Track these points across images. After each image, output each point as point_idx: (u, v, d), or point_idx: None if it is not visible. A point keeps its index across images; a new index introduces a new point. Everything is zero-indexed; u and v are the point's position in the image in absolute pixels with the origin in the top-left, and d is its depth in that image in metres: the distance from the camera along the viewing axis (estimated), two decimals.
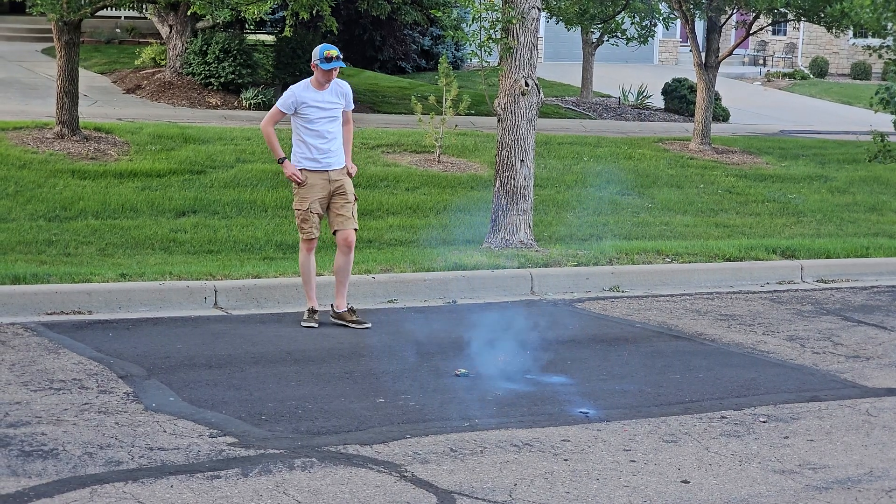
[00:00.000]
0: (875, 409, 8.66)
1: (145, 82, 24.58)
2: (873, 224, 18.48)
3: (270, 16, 25.66)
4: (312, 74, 10.50)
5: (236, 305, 10.95)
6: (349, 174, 10.70)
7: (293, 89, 10.66)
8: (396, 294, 11.74)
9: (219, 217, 15.17)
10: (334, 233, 10.63)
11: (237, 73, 23.63)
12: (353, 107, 10.85)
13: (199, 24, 24.04)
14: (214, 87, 23.72)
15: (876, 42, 22.79)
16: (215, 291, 11.01)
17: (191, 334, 9.79)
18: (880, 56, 21.31)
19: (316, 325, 10.41)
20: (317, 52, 10.40)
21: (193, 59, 23.90)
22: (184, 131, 19.05)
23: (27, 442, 6.99)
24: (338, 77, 10.55)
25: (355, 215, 10.65)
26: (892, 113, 17.05)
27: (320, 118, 10.53)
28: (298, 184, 10.57)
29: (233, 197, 16.00)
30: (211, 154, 17.89)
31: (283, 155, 10.69)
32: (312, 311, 10.51)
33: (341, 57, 10.50)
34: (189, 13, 21.66)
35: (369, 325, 10.49)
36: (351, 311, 10.57)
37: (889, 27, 19.88)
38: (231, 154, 18.01)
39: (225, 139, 18.89)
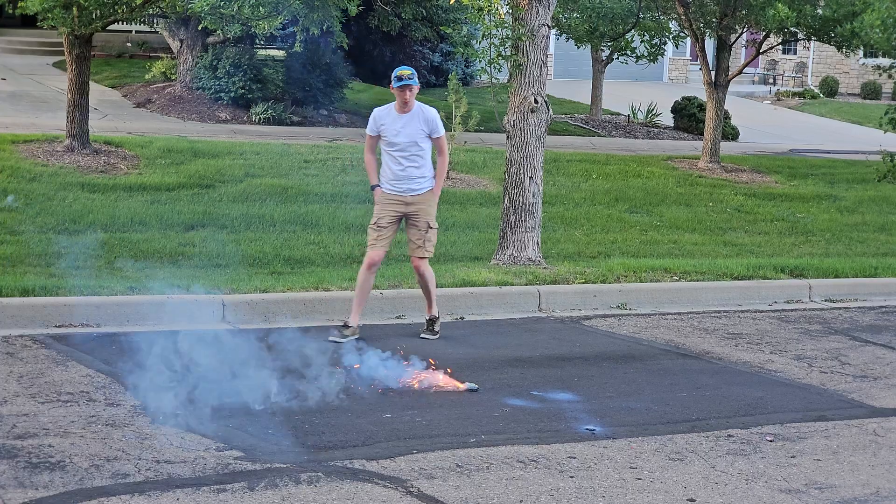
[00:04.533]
0: (882, 429, 8.65)
1: (155, 96, 24.65)
2: (882, 244, 18.46)
3: (281, 31, 25.67)
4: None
5: (244, 320, 10.96)
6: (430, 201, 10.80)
7: (375, 110, 10.91)
8: (404, 310, 11.75)
9: (227, 231, 15.20)
10: (411, 257, 10.96)
11: (247, 87, 23.68)
12: (441, 133, 10.79)
13: (210, 39, 24.11)
14: (224, 102, 23.78)
15: (886, 62, 22.80)
16: (223, 305, 11.02)
17: (200, 348, 9.78)
18: (890, 76, 21.34)
19: (341, 339, 10.34)
20: (393, 73, 10.64)
21: (204, 73, 23.97)
22: (193, 145, 19.10)
23: (34, 454, 7.00)
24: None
25: (427, 244, 10.78)
26: None
27: (397, 142, 10.64)
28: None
29: (241, 211, 16.03)
30: (220, 168, 17.93)
31: (374, 182, 10.89)
32: (343, 326, 10.58)
33: (413, 76, 10.59)
34: (200, 28, 21.70)
35: (436, 337, 10.79)
36: (430, 321, 10.91)
37: None
38: (240, 168, 18.05)
39: (234, 153, 18.93)
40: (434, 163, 10.89)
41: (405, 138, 10.62)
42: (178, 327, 10.08)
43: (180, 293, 11.16)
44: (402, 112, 10.66)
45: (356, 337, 10.41)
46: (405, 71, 10.58)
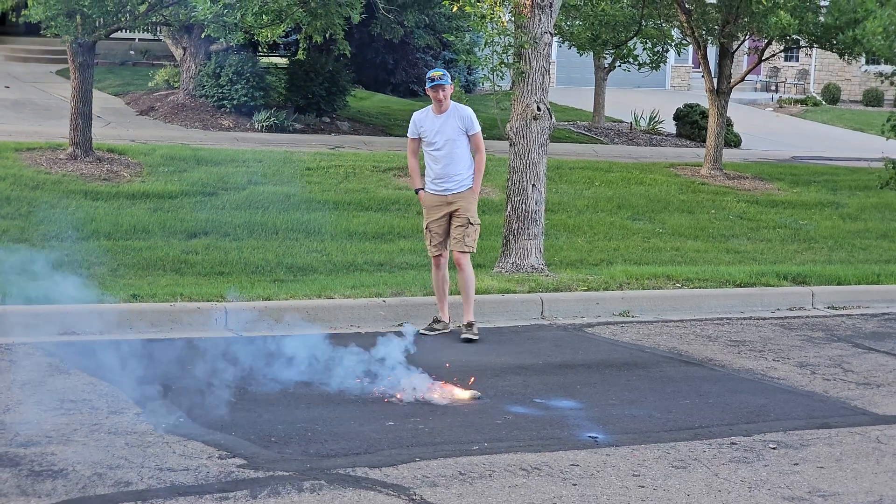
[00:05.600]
0: (885, 436, 8.65)
1: (158, 104, 24.67)
2: (885, 251, 18.45)
3: (283, 38, 25.66)
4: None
5: (247, 327, 10.97)
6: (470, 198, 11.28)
7: (414, 114, 11.48)
8: (407, 317, 11.74)
9: (230, 239, 15.21)
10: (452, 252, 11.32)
11: (250, 95, 23.70)
12: (477, 129, 11.26)
13: (213, 47, 24.13)
14: (227, 110, 23.79)
15: (888, 69, 22.81)
16: (226, 312, 11.03)
17: (201, 355, 9.79)
18: (892, 83, 21.34)
19: (430, 332, 11.18)
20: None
21: (206, 81, 23.99)
22: (196, 153, 19.12)
23: (37, 462, 7.00)
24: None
25: (467, 238, 11.21)
26: None
27: (435, 142, 11.14)
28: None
29: (244, 219, 16.04)
30: (223, 176, 17.94)
31: (417, 186, 11.50)
32: (435, 321, 11.29)
33: (445, 76, 11.04)
34: (203, 36, 21.72)
35: (477, 338, 11.05)
36: (468, 325, 11.14)
37: None
38: (243, 176, 18.07)
39: (237, 161, 18.95)
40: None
41: (442, 137, 11.12)
42: (181, 335, 10.10)
43: (183, 301, 11.17)
44: (438, 112, 11.17)
45: (447, 331, 11.25)
46: (437, 72, 11.08)
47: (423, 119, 11.27)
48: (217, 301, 11.28)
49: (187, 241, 14.92)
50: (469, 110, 11.30)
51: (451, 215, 11.27)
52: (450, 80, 11.11)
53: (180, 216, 15.85)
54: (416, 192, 11.57)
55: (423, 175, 11.48)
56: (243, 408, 8.37)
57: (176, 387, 8.76)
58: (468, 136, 11.20)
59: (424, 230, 11.41)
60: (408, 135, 11.50)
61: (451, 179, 11.21)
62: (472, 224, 11.26)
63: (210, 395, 8.57)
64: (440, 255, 11.32)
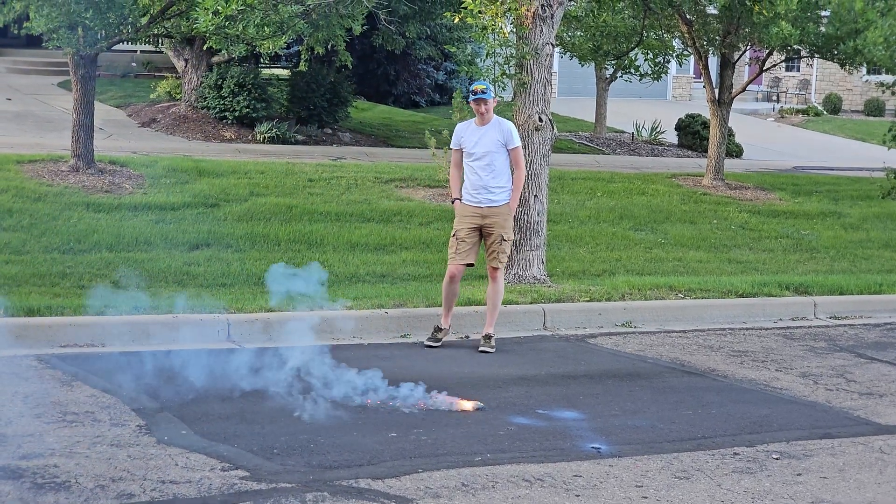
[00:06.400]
0: (888, 446, 8.64)
1: (160, 116, 24.69)
2: (887, 261, 18.44)
3: (285, 50, 25.75)
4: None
5: (249, 338, 10.98)
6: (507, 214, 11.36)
7: (457, 125, 11.69)
8: (409, 329, 11.75)
9: (232, 250, 15.20)
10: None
11: (252, 106, 23.71)
12: (516, 144, 11.39)
13: (215, 59, 24.16)
14: (229, 121, 23.81)
15: (889, 79, 22.83)
16: (228, 324, 11.04)
17: (205, 367, 9.79)
18: (894, 93, 21.35)
19: (435, 343, 11.22)
20: None
21: (208, 92, 24.01)
22: (198, 165, 19.13)
23: (39, 474, 7.00)
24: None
25: (500, 255, 11.31)
26: None
27: (475, 152, 11.29)
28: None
29: (246, 230, 16.04)
30: (225, 187, 17.94)
31: (454, 196, 11.55)
32: (436, 329, 11.35)
33: (488, 90, 11.20)
34: (205, 48, 21.77)
35: (493, 350, 11.11)
36: (486, 337, 11.23)
37: None
38: (245, 187, 18.07)
39: (239, 173, 18.95)
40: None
41: (482, 148, 11.26)
42: (184, 346, 10.10)
43: (185, 312, 11.18)
44: (480, 125, 11.33)
45: (447, 336, 11.39)
46: (480, 86, 11.25)
47: (465, 130, 11.43)
48: (219, 313, 11.28)
49: (189, 253, 14.91)
50: (510, 125, 11.42)
51: (482, 228, 11.31)
52: (492, 94, 11.31)
53: (182, 228, 15.84)
54: (453, 202, 11.62)
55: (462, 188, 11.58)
56: (246, 419, 8.37)
57: (178, 399, 8.76)
58: (508, 150, 11.29)
59: (451, 237, 11.40)
60: (450, 146, 11.61)
61: (488, 192, 11.28)
62: (505, 240, 11.35)
63: (212, 406, 8.57)
64: (459, 267, 11.28)
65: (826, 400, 9.97)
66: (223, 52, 20.70)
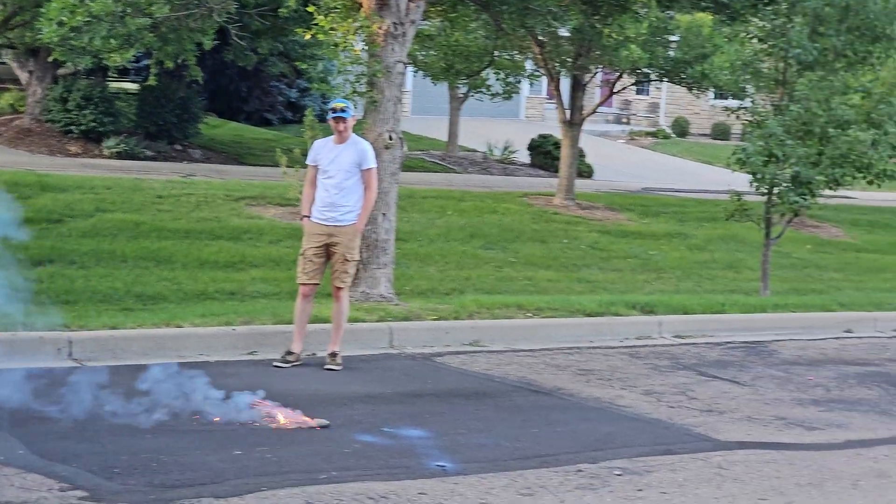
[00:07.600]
0: (727, 461, 8.80)
1: (2, 128, 24.14)
2: (730, 281, 18.85)
3: (134, 64, 25.39)
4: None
5: (92, 357, 10.75)
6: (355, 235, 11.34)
7: (315, 142, 11.62)
8: (257, 346, 11.63)
9: (76, 267, 14.89)
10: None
11: (98, 121, 23.32)
12: (370, 165, 11.36)
13: (61, 71, 23.72)
14: (75, 135, 23.38)
15: (734, 103, 23.35)
16: (70, 343, 10.79)
17: (42, 385, 9.56)
18: (738, 117, 21.84)
19: (284, 365, 11.01)
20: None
21: (53, 105, 23.55)
22: (41, 179, 18.72)
23: None
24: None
25: (343, 274, 11.29)
26: (748, 173, 17.45)
27: (329, 170, 11.22)
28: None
29: (91, 247, 15.73)
30: (69, 203, 17.59)
31: (304, 213, 11.43)
32: (287, 353, 11.14)
33: (347, 108, 11.18)
34: (50, 59, 21.33)
35: (339, 368, 11.04)
36: (332, 355, 11.16)
37: (747, 89, 20.40)
38: (90, 203, 17.74)
39: (84, 188, 18.60)
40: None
41: (336, 167, 11.21)
42: (22, 365, 9.85)
43: (25, 330, 10.90)
44: (338, 143, 11.27)
45: (299, 363, 11.08)
46: (340, 104, 11.25)
47: (322, 147, 11.37)
48: (61, 331, 11.03)
49: (31, 270, 14.56)
50: (367, 145, 11.43)
51: (328, 247, 11.26)
52: (352, 113, 11.26)
53: (23, 244, 15.46)
54: (302, 218, 11.53)
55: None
56: (86, 438, 8.19)
57: (15, 418, 8.53)
58: (361, 170, 11.26)
59: (300, 256, 11.35)
60: (307, 161, 11.54)
61: (335, 210, 11.22)
62: (348, 261, 11.31)
63: (52, 425, 8.37)
64: (309, 288, 11.27)
65: (668, 417, 10.12)
66: (69, 64, 20.30)
